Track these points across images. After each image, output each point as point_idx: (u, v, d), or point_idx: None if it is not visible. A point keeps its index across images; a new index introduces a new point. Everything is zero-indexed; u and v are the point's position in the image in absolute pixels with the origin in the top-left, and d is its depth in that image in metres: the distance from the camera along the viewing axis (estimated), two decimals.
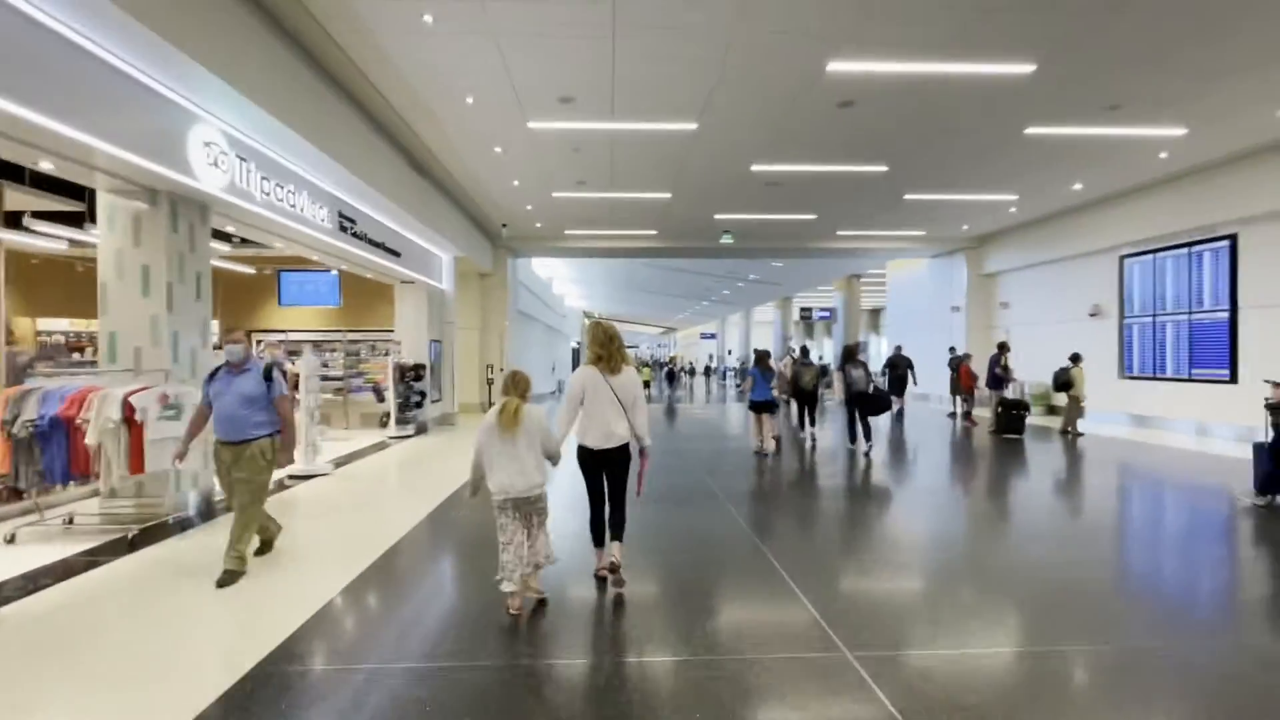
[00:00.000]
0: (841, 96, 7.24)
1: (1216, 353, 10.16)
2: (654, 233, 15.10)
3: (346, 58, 6.24)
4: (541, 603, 3.58)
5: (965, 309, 16.30)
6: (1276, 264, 9.32)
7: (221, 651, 3.13)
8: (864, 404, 8.88)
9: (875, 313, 43.27)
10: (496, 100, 7.29)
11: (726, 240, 15.01)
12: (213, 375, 4.17)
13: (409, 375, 10.73)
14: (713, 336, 50.19)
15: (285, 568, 4.28)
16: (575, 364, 43.57)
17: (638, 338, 79.98)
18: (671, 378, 26.48)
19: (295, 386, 7.43)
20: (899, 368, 14.42)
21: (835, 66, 6.42)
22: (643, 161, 9.71)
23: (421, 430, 11.25)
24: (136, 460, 4.74)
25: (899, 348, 15.34)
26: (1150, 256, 11.53)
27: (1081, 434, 10.54)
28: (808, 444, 9.73)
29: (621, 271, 27.29)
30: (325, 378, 12.07)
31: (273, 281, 11.93)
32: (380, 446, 9.78)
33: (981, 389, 12.56)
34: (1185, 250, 10.79)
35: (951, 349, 14.68)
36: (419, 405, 11.05)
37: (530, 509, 3.47)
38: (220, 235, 7.91)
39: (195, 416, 4.23)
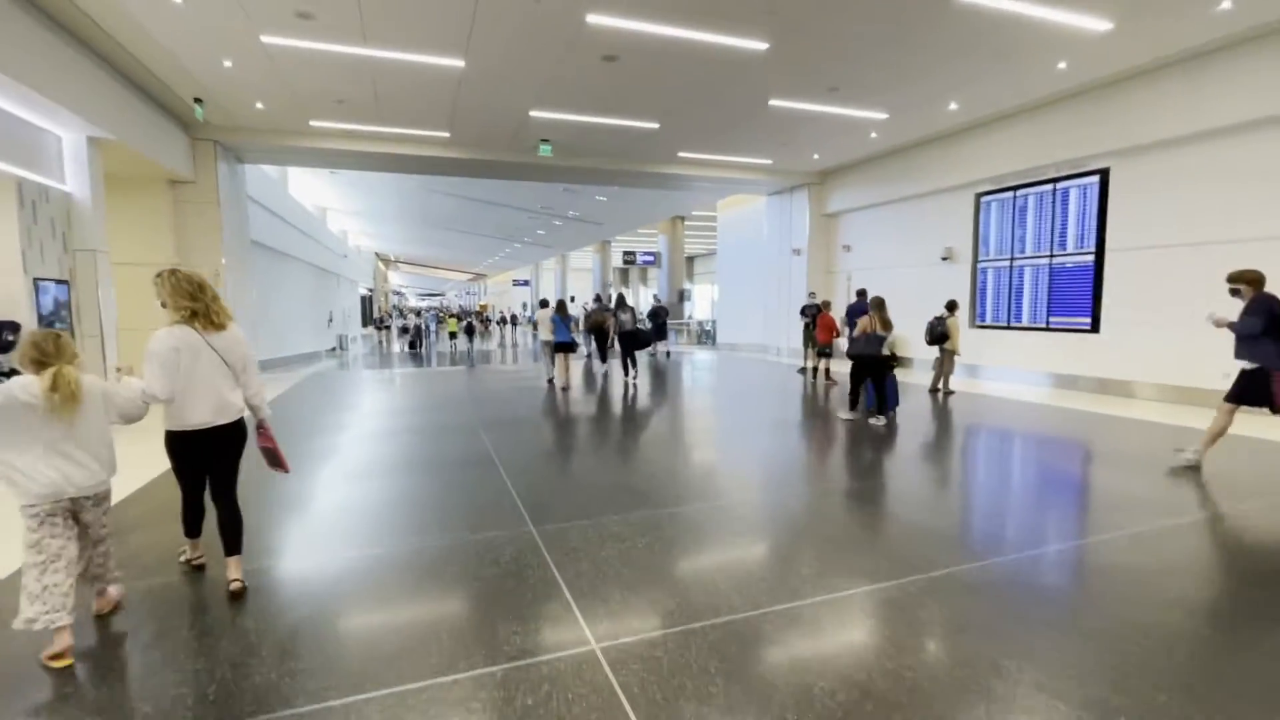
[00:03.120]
0: None
1: (1078, 300, 9.44)
2: (445, 135, 11.03)
3: None
4: (115, 610, 2.75)
5: (806, 252, 14.91)
6: (1150, 201, 8.57)
7: None
8: (630, 341, 11.09)
9: (691, 260, 42.73)
10: None
11: (545, 152, 11.51)
12: None
13: None
14: (526, 284, 46.43)
15: None
16: (367, 313, 36.73)
17: (444, 285, 72.24)
18: (470, 331, 22.37)
19: None
20: (659, 317, 16.22)
21: None
22: None
23: None
24: None
25: (656, 297, 20.33)
26: (1010, 194, 10.59)
27: (953, 392, 9.29)
28: (599, 379, 11.49)
29: (415, 203, 22.17)
30: None
31: None
32: None
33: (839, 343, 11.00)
34: (1050, 186, 9.89)
35: (811, 294, 13.06)
36: None
37: (93, 509, 2.59)
38: None
39: None
